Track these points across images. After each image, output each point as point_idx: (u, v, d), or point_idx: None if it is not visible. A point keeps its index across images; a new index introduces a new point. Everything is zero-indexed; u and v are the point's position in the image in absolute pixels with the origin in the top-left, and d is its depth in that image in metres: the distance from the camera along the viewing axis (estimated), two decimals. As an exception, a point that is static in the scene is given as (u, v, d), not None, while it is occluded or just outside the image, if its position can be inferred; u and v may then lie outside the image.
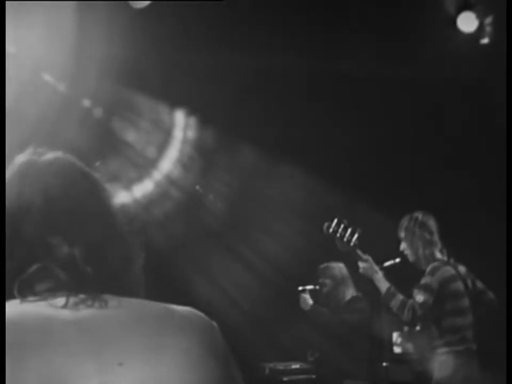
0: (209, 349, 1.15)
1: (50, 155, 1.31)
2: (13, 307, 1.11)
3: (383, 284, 5.00)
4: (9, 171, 1.28)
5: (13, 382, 1.01)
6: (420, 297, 4.83)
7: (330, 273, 5.86)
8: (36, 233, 1.20)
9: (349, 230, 5.07)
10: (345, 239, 5.07)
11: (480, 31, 6.32)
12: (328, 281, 5.85)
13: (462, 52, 6.26)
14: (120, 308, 1.15)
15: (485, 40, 6.36)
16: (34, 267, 1.15)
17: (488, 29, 6.30)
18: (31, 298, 1.12)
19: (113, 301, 1.15)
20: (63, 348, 1.06)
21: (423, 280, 4.91)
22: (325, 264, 5.93)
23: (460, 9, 6.25)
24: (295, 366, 6.14)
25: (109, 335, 1.10)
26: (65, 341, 1.07)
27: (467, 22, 6.27)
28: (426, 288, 4.86)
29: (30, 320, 1.08)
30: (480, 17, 6.27)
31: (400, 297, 4.91)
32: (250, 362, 6.02)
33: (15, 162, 1.29)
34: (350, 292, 5.83)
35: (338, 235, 5.08)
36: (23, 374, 1.02)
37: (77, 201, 1.27)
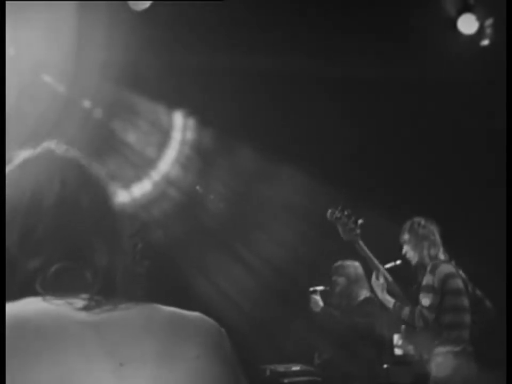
0: (218, 355, 1.16)
1: (71, 151, 1.30)
2: (33, 305, 1.10)
3: (388, 301, 5.02)
4: (33, 159, 1.27)
5: (26, 382, 1.01)
6: (425, 300, 4.85)
7: (345, 271, 5.73)
8: (82, 233, 1.20)
9: (352, 218, 5.06)
10: (347, 227, 5.05)
11: (480, 33, 6.34)
12: (341, 279, 5.72)
13: (462, 54, 6.28)
14: (135, 313, 1.16)
15: (485, 42, 6.39)
16: (58, 265, 1.15)
17: (488, 30, 6.32)
18: (52, 296, 1.12)
19: (128, 305, 1.16)
20: (79, 349, 1.06)
21: (425, 281, 4.93)
22: (340, 263, 5.79)
23: (460, 11, 6.27)
24: (296, 368, 6.13)
25: (124, 338, 1.11)
26: (81, 343, 1.07)
27: (467, 24, 6.29)
28: (429, 289, 4.88)
29: (48, 320, 1.08)
30: (480, 19, 6.29)
31: (407, 308, 4.92)
32: (251, 364, 6.01)
33: (37, 151, 1.28)
34: (363, 292, 5.68)
35: (341, 222, 5.06)
36: (35, 374, 1.02)
37: (111, 205, 1.28)
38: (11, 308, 1.09)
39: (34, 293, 1.12)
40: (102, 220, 1.23)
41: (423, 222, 5.16)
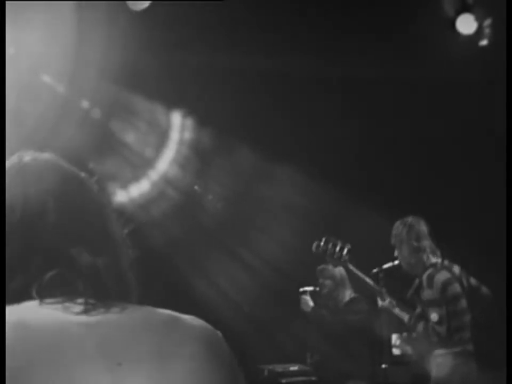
0: (213, 356, 1.16)
1: (41, 157, 1.29)
2: (31, 310, 1.11)
3: (403, 316, 5.05)
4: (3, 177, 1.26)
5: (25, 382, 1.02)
6: (434, 316, 4.87)
7: (329, 274, 5.86)
8: (55, 241, 1.19)
9: (338, 247, 5.16)
10: (335, 256, 5.15)
11: (479, 33, 6.34)
12: (328, 282, 5.85)
13: (461, 54, 6.28)
14: (130, 314, 1.16)
15: (484, 42, 6.38)
16: (53, 273, 1.15)
17: (487, 31, 6.32)
18: (49, 300, 1.13)
19: (123, 307, 1.17)
20: (77, 350, 1.07)
21: (426, 296, 4.93)
22: (323, 266, 5.88)
23: (459, 12, 6.26)
24: (294, 368, 6.14)
25: (120, 339, 1.11)
26: (79, 344, 1.08)
27: (466, 24, 6.28)
28: (433, 303, 4.89)
29: (47, 323, 1.09)
30: (479, 19, 6.29)
31: (421, 325, 4.94)
32: (249, 365, 6.01)
33: (7, 164, 1.27)
34: (348, 293, 5.85)
35: (328, 253, 5.17)
36: (35, 376, 1.03)
37: (85, 206, 1.27)
38: (10, 311, 1.09)
39: (27, 298, 1.13)
40: (76, 223, 1.22)
41: (409, 223, 5.14)
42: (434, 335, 4.87)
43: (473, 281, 5.10)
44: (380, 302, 5.17)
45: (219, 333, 1.21)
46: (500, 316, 4.21)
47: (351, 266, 5.15)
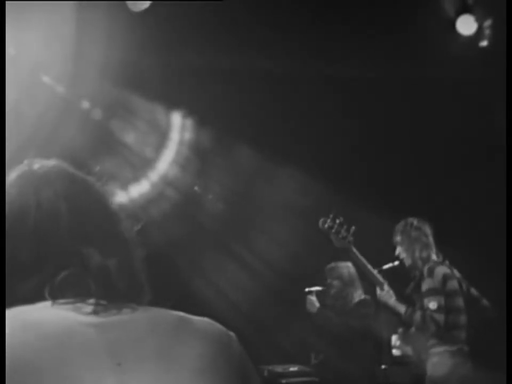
0: (221, 359, 1.16)
1: (48, 163, 1.32)
2: (42, 310, 1.12)
3: (400, 308, 5.03)
4: (13, 181, 1.28)
5: (32, 380, 1.03)
6: (432, 303, 4.86)
7: (338, 273, 5.73)
8: (67, 243, 1.21)
9: (345, 226, 5.06)
10: (340, 235, 5.06)
11: (479, 33, 6.34)
12: (335, 282, 5.70)
13: (461, 55, 6.28)
14: (139, 315, 1.17)
15: (484, 43, 6.39)
16: (65, 273, 1.17)
17: (487, 31, 6.33)
18: (61, 301, 1.14)
19: (134, 308, 1.18)
20: (83, 350, 1.08)
21: (426, 285, 4.94)
22: (333, 264, 5.79)
23: (459, 12, 6.26)
24: (294, 368, 6.12)
25: (126, 338, 1.12)
26: (85, 342, 1.09)
27: (466, 25, 6.28)
28: (433, 292, 4.90)
29: (55, 324, 1.10)
30: (479, 20, 6.29)
31: (418, 314, 4.92)
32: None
33: (16, 172, 1.30)
34: (358, 294, 5.69)
35: (333, 230, 5.07)
36: (43, 376, 1.03)
37: (94, 207, 1.29)
38: (22, 311, 1.11)
39: (40, 299, 1.15)
40: (87, 224, 1.25)
41: (415, 223, 5.17)
42: (432, 323, 4.85)
43: (474, 291, 5.11)
44: (378, 291, 5.14)
45: (232, 335, 1.22)
46: (498, 325, 4.21)
47: (354, 249, 5.06)
